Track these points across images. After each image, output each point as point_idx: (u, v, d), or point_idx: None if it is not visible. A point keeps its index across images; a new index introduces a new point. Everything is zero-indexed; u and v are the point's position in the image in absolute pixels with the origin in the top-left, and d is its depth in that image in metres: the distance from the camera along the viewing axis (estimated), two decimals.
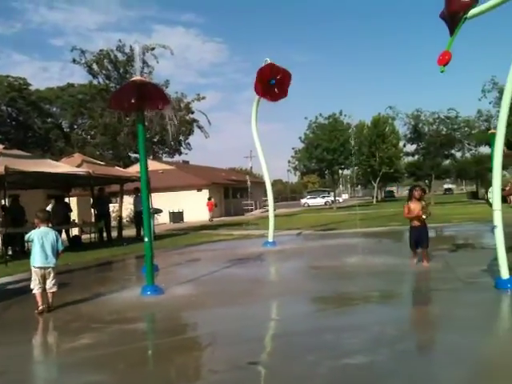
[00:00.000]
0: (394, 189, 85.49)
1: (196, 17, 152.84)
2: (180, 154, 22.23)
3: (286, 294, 7.19)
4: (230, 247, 14.61)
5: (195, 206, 38.00)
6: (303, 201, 65.89)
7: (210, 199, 37.78)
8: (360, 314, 5.80)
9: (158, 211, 11.34)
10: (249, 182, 29.92)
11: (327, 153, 39.01)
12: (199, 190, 39.91)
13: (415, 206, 8.55)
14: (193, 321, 6.27)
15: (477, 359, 4.03)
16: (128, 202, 21.50)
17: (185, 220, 36.44)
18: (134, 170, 21.71)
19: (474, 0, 6.48)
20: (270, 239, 13.81)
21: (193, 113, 22.21)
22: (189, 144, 22.01)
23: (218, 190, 42.54)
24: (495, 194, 6.43)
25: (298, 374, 3.86)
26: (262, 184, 14.88)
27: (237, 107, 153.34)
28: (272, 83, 12.17)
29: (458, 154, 42.29)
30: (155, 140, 21.66)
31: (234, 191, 46.37)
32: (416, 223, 8.61)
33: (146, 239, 7.53)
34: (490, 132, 8.33)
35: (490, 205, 6.50)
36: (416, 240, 8.61)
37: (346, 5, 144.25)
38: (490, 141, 7.18)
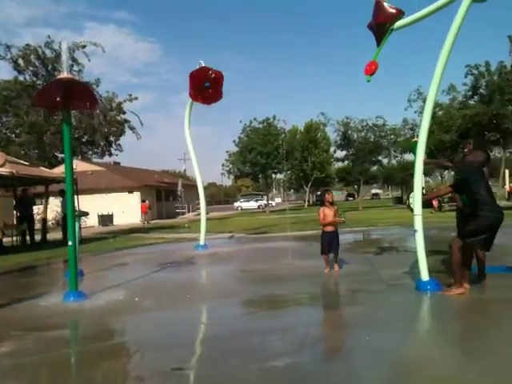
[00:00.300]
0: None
1: (129, 15, 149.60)
2: (110, 155, 21.62)
3: (216, 298, 7.16)
4: (160, 251, 14.37)
5: (126, 209, 37.11)
6: (236, 204, 66.03)
7: (144, 201, 37.13)
8: (287, 317, 5.87)
9: (84, 214, 10.92)
10: (180, 185, 29.59)
11: (261, 157, 39.36)
12: (130, 192, 39.01)
13: (329, 212, 8.46)
14: (118, 327, 6.08)
15: (396, 360, 4.17)
16: (55, 204, 20.63)
17: (115, 223, 35.43)
18: (61, 170, 20.82)
19: (400, 12, 6.77)
20: (202, 242, 13.73)
21: (124, 113, 21.69)
22: (119, 145, 21.47)
23: (150, 193, 41.74)
24: (416, 199, 6.72)
25: (222, 378, 3.84)
26: (196, 187, 14.74)
27: (171, 108, 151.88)
28: (206, 86, 12.09)
29: (385, 161, 44.09)
30: (84, 140, 20.89)
31: (166, 194, 45.66)
32: (329, 228, 8.49)
33: (70, 243, 7.23)
34: (412, 140, 8.71)
35: (411, 210, 6.79)
36: (329, 245, 8.45)
37: (280, 12, 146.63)
38: (412, 148, 7.51)
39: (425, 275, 6.50)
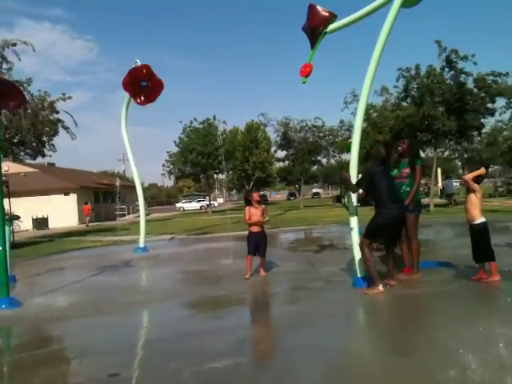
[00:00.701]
0: (267, 193, 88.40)
1: (63, 12, 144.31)
2: (43, 155, 20.69)
3: (156, 301, 7.07)
4: (98, 254, 14.01)
5: (62, 212, 35.85)
6: (178, 205, 65.32)
7: (86, 203, 36.13)
8: (227, 318, 5.88)
9: (15, 217, 10.44)
10: (118, 185, 28.96)
11: (202, 157, 39.17)
12: (66, 194, 37.73)
13: (256, 211, 8.08)
14: (55, 333, 5.89)
15: (332, 356, 4.27)
16: None
17: (50, 226, 34.15)
18: None
19: (332, 15, 6.94)
20: (141, 245, 13.50)
21: (57, 112, 20.93)
22: (53, 145, 20.60)
23: (88, 194, 40.48)
24: (351, 198, 6.92)
25: (160, 381, 3.80)
26: (136, 188, 14.46)
27: (109, 108, 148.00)
28: (143, 85, 11.88)
29: (324, 161, 45.03)
30: (15, 141, 19.94)
31: (104, 195, 44.44)
32: (255, 229, 8.10)
33: (0, 248, 6.90)
34: (348, 140, 8.97)
35: (347, 208, 6.98)
36: (255, 246, 8.07)
37: (219, 11, 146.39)
38: (348, 148, 7.72)
39: (361, 272, 6.71)
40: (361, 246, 6.48)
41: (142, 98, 12.19)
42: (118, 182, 27.93)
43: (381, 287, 6.21)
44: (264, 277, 8.06)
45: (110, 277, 9.55)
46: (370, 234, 6.42)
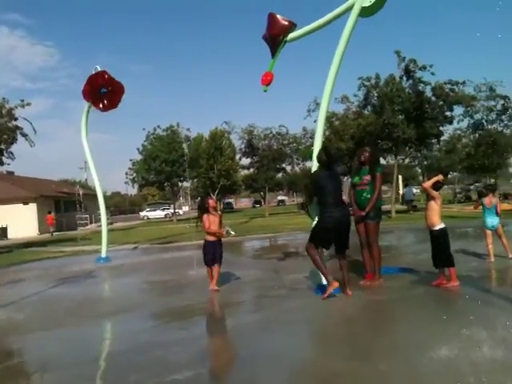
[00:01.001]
0: (232, 200, 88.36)
1: (22, 17, 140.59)
2: (2, 163, 20.03)
3: (118, 312, 6.93)
4: (59, 265, 13.65)
5: (21, 221, 34.85)
6: (142, 214, 64.60)
7: (50, 213, 35.60)
8: (190, 328, 5.81)
9: None
10: (80, 194, 28.41)
11: (166, 165, 38.84)
12: (25, 203, 36.73)
13: (214, 219, 7.68)
14: (14, 347, 5.67)
15: (295, 363, 4.27)
16: None
17: (9, 237, 33.12)
18: None
19: (292, 24, 7.03)
20: (103, 255, 13.25)
21: (16, 119, 20.34)
22: (11, 153, 20.00)
23: (48, 204, 39.51)
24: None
25: None
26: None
27: (70, 115, 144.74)
28: (103, 92, 11.72)
29: (289, 168, 45.35)
30: None
31: (66, 204, 43.44)
32: (212, 238, 7.68)
33: None
34: (311, 148, 9.08)
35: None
36: (213, 256, 7.62)
37: (181, 19, 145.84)
38: (310, 156, 7.81)
39: (323, 279, 6.75)
40: (307, 250, 6.56)
41: (104, 103, 12.02)
42: (79, 191, 27.47)
43: (336, 283, 6.33)
44: (216, 291, 7.47)
45: (71, 288, 9.32)
46: (314, 239, 6.53)
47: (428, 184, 6.69)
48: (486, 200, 8.63)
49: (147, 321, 6.49)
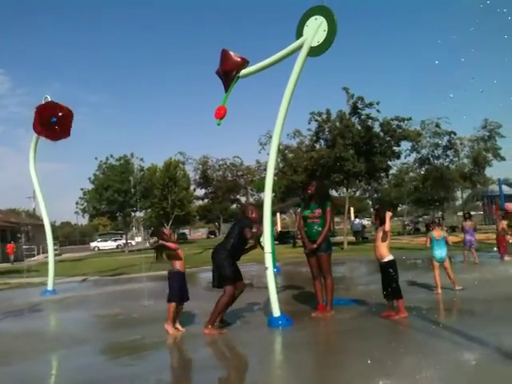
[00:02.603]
0: (186, 231, 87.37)
1: None
2: None
3: (63, 348, 6.66)
4: (3, 298, 13.01)
5: None
6: (93, 244, 62.81)
7: (10, 242, 35.45)
8: (137, 364, 5.62)
9: None
10: (25, 225, 27.56)
11: (118, 194, 38.19)
12: None
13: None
14: None
15: None
16: None
17: None
18: None
19: (244, 61, 7.23)
20: (50, 287, 12.81)
21: None
22: None
23: None
24: (266, 237, 7.05)
25: None
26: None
27: (19, 143, 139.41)
28: (53, 121, 11.54)
29: (243, 199, 45.47)
30: None
31: (12, 234, 41.71)
32: (181, 268, 7.16)
33: None
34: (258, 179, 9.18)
35: (262, 248, 7.08)
36: (182, 290, 7.03)
37: (137, 49, 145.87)
38: (263, 188, 7.91)
39: (276, 311, 6.76)
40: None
41: (56, 132, 11.83)
42: (24, 223, 26.60)
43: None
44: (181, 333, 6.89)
45: (14, 322, 8.89)
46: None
47: (388, 226, 6.85)
48: (435, 233, 8.94)
49: (94, 356, 6.27)
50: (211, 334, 6.41)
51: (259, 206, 7.45)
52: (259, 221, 7.02)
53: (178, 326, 6.98)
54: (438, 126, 31.10)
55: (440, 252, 8.77)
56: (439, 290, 8.49)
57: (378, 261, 6.98)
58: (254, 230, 6.79)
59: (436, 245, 8.85)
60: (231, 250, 6.78)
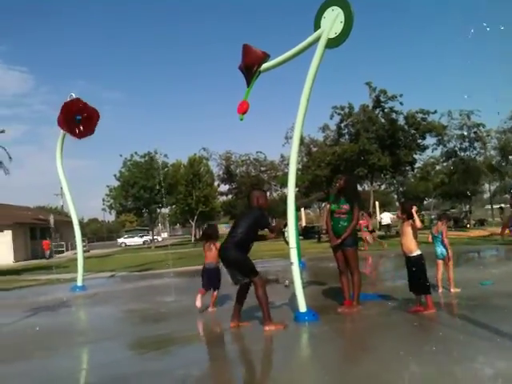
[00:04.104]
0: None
1: None
2: None
3: (92, 342, 6.80)
4: (33, 294, 13.30)
5: None
6: (120, 240, 63.64)
7: (45, 238, 36.88)
8: (165, 358, 5.71)
9: None
10: (52, 222, 28.09)
11: (144, 191, 38.60)
12: (0, 230, 35.98)
13: (211, 247, 8.20)
14: None
15: None
16: None
17: None
18: None
19: (265, 54, 7.21)
20: (79, 283, 13.01)
21: None
22: None
23: (23, 231, 38.80)
24: (290, 232, 7.03)
25: None
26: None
27: (44, 141, 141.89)
28: (78, 119, 11.70)
29: (268, 194, 45.53)
30: None
31: (42, 232, 42.66)
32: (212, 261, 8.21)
33: None
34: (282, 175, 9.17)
35: (287, 243, 7.07)
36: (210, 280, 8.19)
37: (156, 46, 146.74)
38: (285, 182, 7.90)
39: (302, 306, 6.75)
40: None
41: (80, 130, 11.97)
42: (51, 220, 27.04)
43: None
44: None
45: (44, 318, 9.07)
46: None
47: (419, 223, 6.76)
48: (434, 228, 8.42)
49: (122, 351, 6.37)
50: (273, 330, 6.25)
51: (283, 201, 7.41)
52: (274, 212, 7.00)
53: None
54: (468, 117, 30.45)
55: (439, 248, 8.19)
56: (439, 289, 8.01)
57: (404, 255, 6.89)
58: (273, 224, 6.76)
59: (435, 240, 8.26)
60: (242, 245, 6.46)
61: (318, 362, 5.11)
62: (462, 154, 33.02)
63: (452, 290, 8.10)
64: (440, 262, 8.21)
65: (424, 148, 26.23)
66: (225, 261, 6.58)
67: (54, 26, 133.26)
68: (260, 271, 6.64)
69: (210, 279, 8.11)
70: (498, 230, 19.54)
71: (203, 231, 9.19)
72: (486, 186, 44.26)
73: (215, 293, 8.20)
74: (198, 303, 7.91)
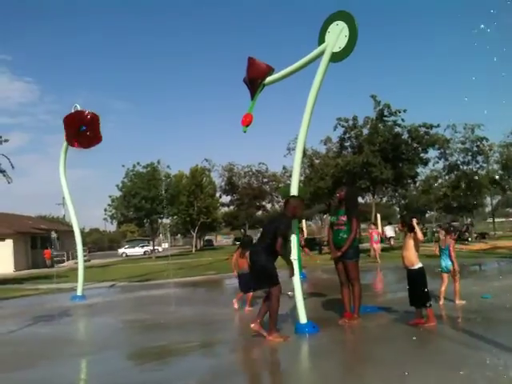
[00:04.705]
0: (212, 238, 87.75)
1: (1, 53, 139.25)
2: None
3: (92, 352, 6.78)
4: (34, 303, 13.31)
5: None
6: (121, 250, 63.57)
7: (47, 248, 36.95)
8: (166, 369, 5.70)
9: None
10: (53, 233, 28.20)
11: (146, 201, 38.64)
12: (1, 239, 35.97)
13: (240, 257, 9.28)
14: None
15: None
16: None
17: None
18: None
19: (270, 68, 7.28)
20: (79, 293, 13.01)
21: None
22: None
23: (24, 240, 38.79)
24: (292, 243, 7.04)
25: None
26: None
27: (48, 150, 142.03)
28: (83, 129, 11.79)
29: (269, 206, 45.56)
30: None
31: (43, 241, 42.63)
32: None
33: None
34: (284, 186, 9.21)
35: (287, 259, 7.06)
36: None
37: (159, 55, 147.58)
38: (286, 194, 7.91)
39: (303, 318, 6.74)
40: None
41: (88, 139, 12.08)
42: (53, 235, 27.06)
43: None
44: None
45: (44, 327, 9.07)
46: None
47: (420, 235, 6.75)
48: (441, 241, 8.41)
49: (121, 362, 6.37)
50: (275, 341, 6.27)
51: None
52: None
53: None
54: (472, 131, 30.55)
55: (444, 262, 8.18)
56: (440, 302, 7.94)
57: (405, 268, 6.87)
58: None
59: (442, 253, 8.27)
60: (271, 250, 6.48)
61: (318, 374, 5.09)
62: (465, 167, 33.08)
63: (457, 301, 8.06)
64: (445, 275, 8.17)
65: (426, 162, 26.30)
66: (253, 264, 6.74)
67: (59, 36, 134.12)
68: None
69: (247, 283, 8.71)
70: (500, 243, 19.47)
71: (242, 240, 10.12)
72: (488, 199, 44.21)
73: (250, 294, 9.15)
74: (236, 305, 9.19)
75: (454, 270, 8.13)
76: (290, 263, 6.74)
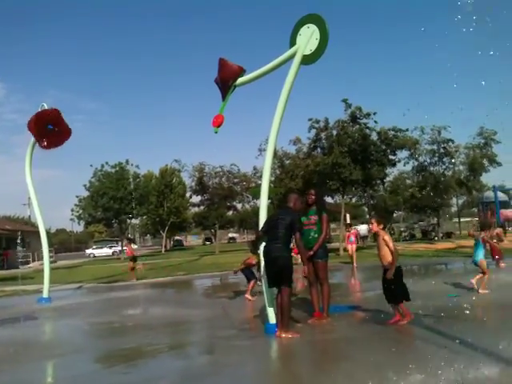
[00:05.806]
0: (182, 238, 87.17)
1: None
2: None
3: (58, 356, 6.61)
4: None
5: None
6: (88, 251, 62.53)
7: (5, 249, 35.82)
8: (135, 371, 5.60)
9: None
10: (19, 233, 27.60)
11: (114, 201, 38.06)
12: None
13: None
14: None
15: None
16: None
17: None
18: None
19: (241, 69, 7.27)
20: (45, 295, 12.71)
21: None
22: None
23: None
24: (261, 245, 7.02)
25: None
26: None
27: (13, 150, 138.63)
28: (49, 128, 11.55)
29: (240, 206, 45.45)
30: None
31: (7, 242, 41.47)
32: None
33: None
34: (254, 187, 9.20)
35: (254, 253, 7.07)
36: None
37: (132, 58, 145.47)
38: (257, 194, 7.92)
39: (272, 318, 6.74)
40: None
41: (49, 141, 11.83)
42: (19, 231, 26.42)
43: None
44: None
45: (9, 330, 8.87)
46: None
47: (385, 236, 6.82)
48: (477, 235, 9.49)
49: (89, 365, 6.22)
50: (288, 338, 6.30)
51: (255, 212, 7.40)
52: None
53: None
54: (439, 133, 31.22)
55: (475, 254, 9.14)
56: (480, 291, 8.72)
57: (383, 267, 6.90)
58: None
59: (475, 247, 9.25)
60: (288, 244, 6.61)
61: (287, 374, 5.10)
62: (432, 168, 33.75)
63: (480, 290, 8.76)
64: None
65: (394, 163, 26.78)
66: (274, 260, 6.51)
67: (27, 34, 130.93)
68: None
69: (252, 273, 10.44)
70: (465, 242, 19.88)
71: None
72: (454, 199, 45.26)
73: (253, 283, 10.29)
74: (251, 297, 10.07)
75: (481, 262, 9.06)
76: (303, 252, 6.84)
